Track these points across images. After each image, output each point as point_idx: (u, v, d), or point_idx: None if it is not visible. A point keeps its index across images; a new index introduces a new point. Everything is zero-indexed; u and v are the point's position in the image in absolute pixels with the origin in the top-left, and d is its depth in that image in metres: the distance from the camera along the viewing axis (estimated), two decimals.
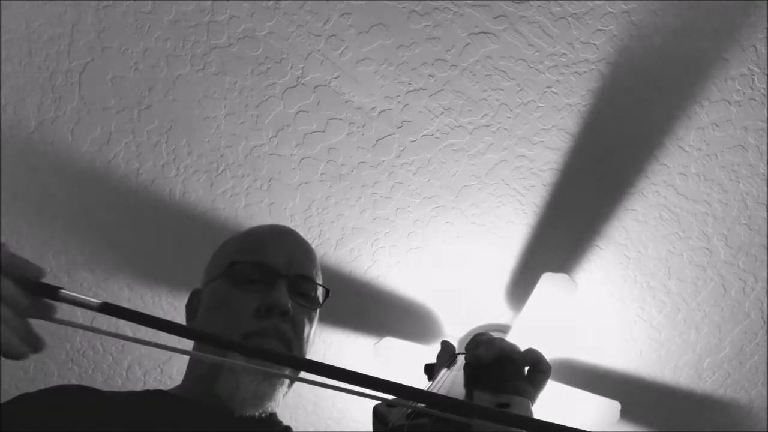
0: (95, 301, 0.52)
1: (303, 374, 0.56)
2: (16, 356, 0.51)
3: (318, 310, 0.98)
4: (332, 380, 0.48)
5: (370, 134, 1.76)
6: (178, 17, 1.57)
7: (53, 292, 0.52)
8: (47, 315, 0.54)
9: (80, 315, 1.94)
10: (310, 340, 0.95)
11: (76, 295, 0.52)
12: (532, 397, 0.69)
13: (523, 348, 0.73)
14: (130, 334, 2.01)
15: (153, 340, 0.59)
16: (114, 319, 2.11)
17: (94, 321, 2.06)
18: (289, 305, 0.90)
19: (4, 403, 0.81)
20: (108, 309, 0.52)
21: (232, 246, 1.01)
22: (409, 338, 2.12)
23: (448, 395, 0.65)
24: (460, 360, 0.74)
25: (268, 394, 0.87)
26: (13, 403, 0.82)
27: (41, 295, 0.53)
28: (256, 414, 0.87)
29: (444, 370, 0.73)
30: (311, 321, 0.95)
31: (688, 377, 2.27)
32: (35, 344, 0.53)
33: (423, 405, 0.56)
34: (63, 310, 0.56)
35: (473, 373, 0.69)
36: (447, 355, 0.78)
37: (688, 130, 1.72)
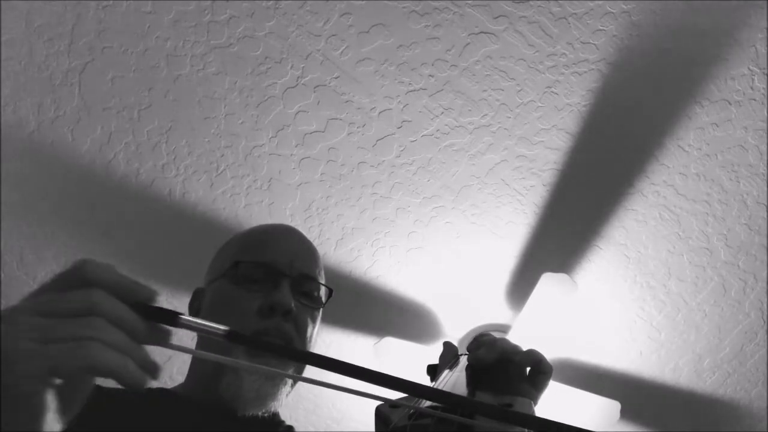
0: (220, 327, 0.49)
1: (309, 374, 0.56)
2: (136, 385, 0.47)
3: (321, 309, 0.98)
4: (338, 377, 0.47)
5: (370, 134, 1.76)
6: (178, 17, 1.57)
7: (172, 319, 0.49)
8: (163, 341, 0.51)
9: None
10: (313, 339, 0.95)
11: (196, 320, 0.49)
12: (534, 398, 0.69)
13: (524, 348, 0.73)
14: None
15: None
16: None
17: None
18: (292, 305, 0.90)
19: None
20: (236, 338, 0.49)
21: (235, 245, 1.01)
22: (409, 338, 2.12)
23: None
24: (463, 361, 0.74)
25: (271, 393, 0.88)
26: None
27: (159, 321, 0.50)
28: (259, 414, 0.87)
29: (446, 371, 0.73)
30: (314, 321, 0.96)
31: (688, 377, 2.27)
32: (153, 371, 0.49)
33: (425, 405, 0.56)
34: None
35: (476, 375, 0.69)
36: (449, 356, 0.78)
37: (688, 130, 1.72)
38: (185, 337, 0.89)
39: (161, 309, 0.50)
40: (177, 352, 2.22)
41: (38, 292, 0.49)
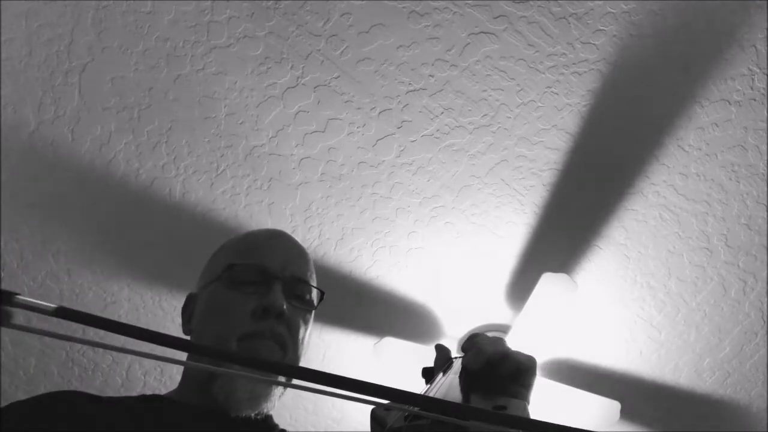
0: (50, 305, 0.50)
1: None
2: None
3: (313, 312, 0.99)
4: (327, 387, 0.48)
5: (370, 134, 1.76)
6: (178, 17, 1.57)
7: (8, 298, 0.50)
8: (5, 322, 0.51)
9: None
10: (305, 341, 0.96)
11: (31, 300, 0.50)
12: (525, 398, 0.69)
13: (514, 348, 0.73)
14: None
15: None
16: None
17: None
18: (285, 307, 0.91)
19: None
20: (63, 313, 0.50)
21: (227, 250, 1.02)
22: (409, 338, 2.12)
23: (445, 399, 0.65)
24: (457, 364, 0.74)
25: (264, 395, 0.88)
26: (2, 412, 0.81)
27: None
28: (252, 415, 0.88)
29: (440, 375, 0.74)
30: (306, 323, 0.96)
31: (688, 377, 2.27)
32: None
33: (419, 409, 0.56)
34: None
35: (469, 377, 0.69)
36: (443, 359, 0.78)
37: (688, 130, 1.72)
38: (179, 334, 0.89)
39: None
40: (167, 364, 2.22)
41: None
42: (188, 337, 0.96)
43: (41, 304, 0.50)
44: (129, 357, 2.26)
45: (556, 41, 1.58)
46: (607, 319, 2.13)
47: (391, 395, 0.46)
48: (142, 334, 0.50)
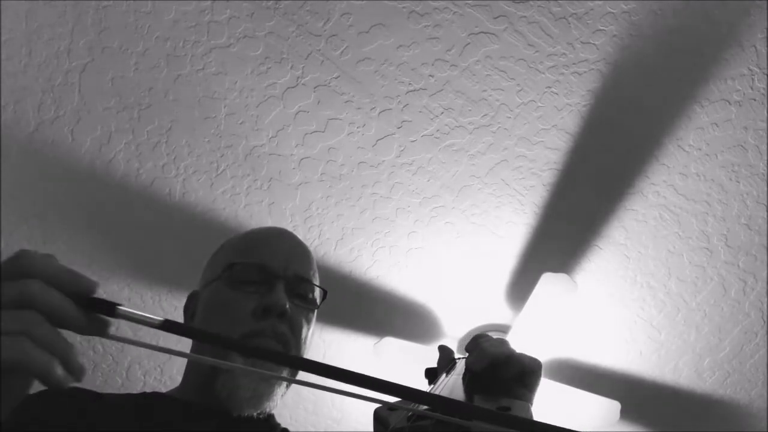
0: (156, 318, 0.49)
1: (303, 376, 0.56)
2: (58, 386, 0.46)
3: (315, 311, 0.98)
4: (332, 381, 0.47)
5: (370, 134, 1.76)
6: (178, 17, 1.57)
7: (111, 309, 0.49)
8: (103, 332, 0.50)
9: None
10: (308, 340, 0.96)
11: (134, 312, 0.49)
12: (528, 400, 0.69)
13: (518, 350, 0.73)
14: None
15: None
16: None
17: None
18: (287, 306, 0.90)
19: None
20: (169, 327, 0.49)
21: (229, 248, 1.01)
22: (409, 338, 2.12)
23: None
24: (460, 364, 0.74)
25: (267, 394, 0.88)
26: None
27: (98, 311, 0.49)
28: (255, 414, 0.87)
29: (443, 375, 0.73)
30: (309, 322, 0.96)
31: (688, 377, 2.27)
32: (77, 374, 0.48)
33: (424, 407, 0.56)
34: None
35: (473, 378, 0.69)
36: (446, 359, 0.78)
37: (688, 130, 1.72)
38: (171, 338, 0.89)
39: (99, 300, 0.49)
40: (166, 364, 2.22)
41: None
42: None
43: (145, 317, 0.49)
44: (129, 357, 2.26)
45: (556, 41, 1.58)
46: (607, 319, 2.13)
47: (401, 393, 0.45)
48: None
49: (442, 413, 0.52)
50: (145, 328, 1.00)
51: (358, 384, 0.46)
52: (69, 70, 1.66)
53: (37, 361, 0.45)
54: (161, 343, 0.54)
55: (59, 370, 0.46)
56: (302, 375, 0.94)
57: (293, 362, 0.78)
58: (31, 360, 0.45)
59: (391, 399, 0.49)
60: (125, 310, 0.48)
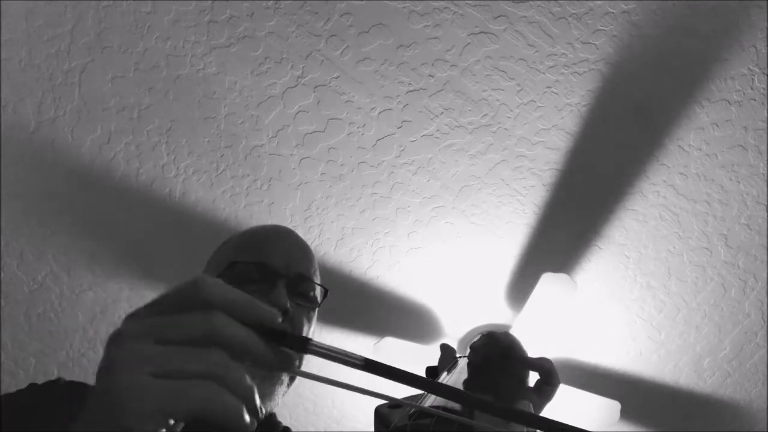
0: (357, 356, 0.44)
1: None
2: (243, 430, 0.41)
3: (317, 309, 0.98)
4: (334, 375, 0.46)
5: (370, 134, 1.76)
6: (178, 17, 1.57)
7: (303, 345, 0.43)
8: (289, 368, 0.44)
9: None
10: None
11: (331, 347, 0.43)
12: (537, 408, 0.69)
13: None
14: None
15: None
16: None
17: None
18: (289, 305, 0.90)
19: (10, 394, 0.81)
20: (373, 367, 0.43)
21: (230, 247, 1.01)
22: (409, 338, 2.12)
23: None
24: (462, 363, 0.74)
25: (267, 393, 0.88)
26: (19, 394, 0.82)
27: (287, 346, 0.43)
28: None
29: (445, 374, 0.73)
30: (310, 321, 0.96)
31: (688, 377, 2.27)
32: (258, 416, 0.42)
33: (427, 405, 0.56)
34: None
35: (475, 375, 0.69)
36: (448, 358, 0.78)
37: (688, 130, 1.72)
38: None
39: (289, 333, 0.44)
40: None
41: (150, 311, 0.44)
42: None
43: (345, 354, 0.43)
44: None
45: (556, 41, 1.58)
46: (607, 319, 2.13)
47: (409, 380, 0.44)
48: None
49: (449, 400, 0.51)
50: None
51: (379, 374, 0.43)
52: (69, 70, 1.66)
53: (227, 408, 0.40)
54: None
55: (246, 416, 0.41)
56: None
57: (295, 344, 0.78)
58: (220, 407, 0.40)
59: (398, 394, 0.49)
60: (319, 345, 0.43)
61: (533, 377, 0.73)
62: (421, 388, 0.43)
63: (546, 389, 0.72)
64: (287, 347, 0.44)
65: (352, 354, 0.44)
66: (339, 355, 0.43)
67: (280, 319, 0.44)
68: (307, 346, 0.43)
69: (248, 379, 0.42)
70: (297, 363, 0.44)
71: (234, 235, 1.06)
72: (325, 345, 0.43)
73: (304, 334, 0.94)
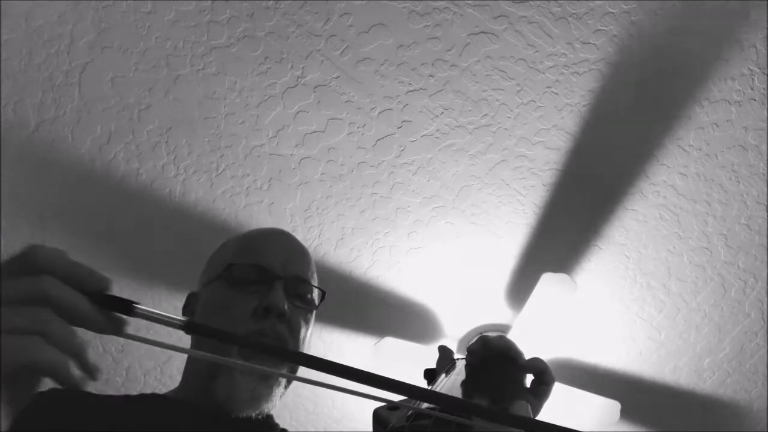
0: (177, 318, 0.47)
1: (304, 374, 0.56)
2: (71, 385, 0.45)
3: (314, 311, 0.98)
4: (335, 378, 0.47)
5: (370, 134, 1.76)
6: (178, 17, 1.57)
7: (128, 308, 0.47)
8: (119, 331, 0.48)
9: None
10: (306, 341, 0.96)
11: (153, 311, 0.47)
12: (534, 407, 0.69)
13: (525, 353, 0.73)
14: None
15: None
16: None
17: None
18: (286, 307, 0.91)
19: None
20: (192, 327, 0.47)
21: (228, 249, 1.02)
22: (409, 338, 2.12)
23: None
24: (460, 365, 0.74)
25: (265, 395, 0.88)
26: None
27: (114, 310, 0.47)
28: (253, 415, 0.88)
29: (443, 376, 0.74)
30: (307, 323, 0.96)
31: (688, 377, 2.27)
32: (93, 373, 0.46)
33: (424, 406, 0.56)
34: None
35: (473, 377, 0.69)
36: (446, 360, 0.78)
37: (688, 130, 1.72)
38: (184, 338, 0.88)
39: (116, 298, 0.47)
40: (176, 353, 2.22)
41: None
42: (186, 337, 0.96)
43: (166, 316, 0.47)
44: (129, 357, 2.26)
45: (556, 41, 1.58)
46: (607, 319, 2.13)
47: (404, 390, 0.45)
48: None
49: (444, 410, 0.52)
50: (152, 326, 1.00)
51: (361, 381, 0.45)
52: (69, 70, 1.67)
53: (52, 361, 0.44)
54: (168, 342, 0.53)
55: (74, 371, 0.45)
56: (304, 374, 0.94)
57: (309, 361, 0.79)
58: (46, 360, 0.44)
59: (393, 397, 0.49)
60: (143, 309, 0.47)
61: (530, 379, 0.73)
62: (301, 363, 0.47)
63: (542, 388, 0.72)
64: (114, 311, 0.47)
65: (175, 317, 0.47)
66: (162, 317, 0.47)
67: (111, 285, 0.48)
68: (132, 310, 0.47)
69: (77, 337, 0.46)
70: (127, 327, 0.48)
71: (232, 237, 1.07)
72: (149, 310, 0.47)
73: (302, 336, 0.94)
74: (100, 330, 0.48)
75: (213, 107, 1.73)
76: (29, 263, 0.46)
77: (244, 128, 1.76)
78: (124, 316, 0.48)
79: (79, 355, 0.46)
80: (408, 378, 0.47)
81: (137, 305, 0.47)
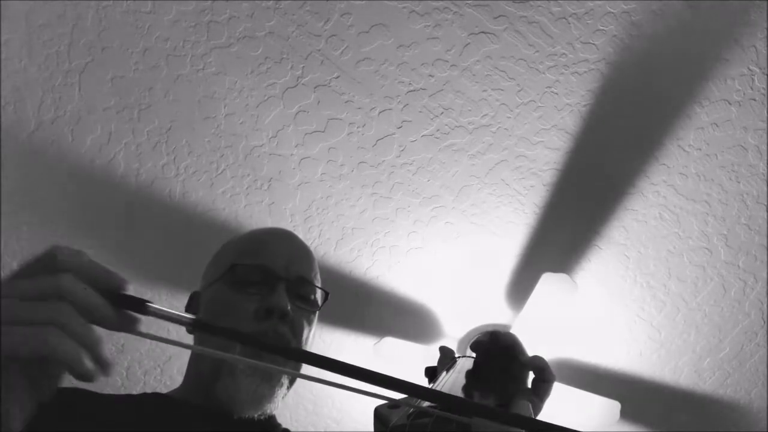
0: (187, 315, 0.51)
1: (306, 373, 0.56)
2: (85, 378, 0.47)
3: (317, 312, 0.98)
4: (337, 376, 0.47)
5: (370, 134, 1.76)
6: (178, 17, 1.57)
7: (141, 306, 0.49)
8: (132, 328, 0.51)
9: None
10: (309, 342, 0.96)
11: (164, 309, 0.50)
12: (536, 406, 0.69)
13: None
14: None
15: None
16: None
17: None
18: (289, 308, 0.90)
19: None
20: (201, 326, 0.49)
21: (231, 249, 1.01)
22: (409, 338, 2.12)
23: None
24: (460, 363, 0.74)
25: (267, 395, 0.87)
26: None
27: (127, 308, 0.50)
28: (255, 416, 0.87)
29: (444, 374, 0.74)
30: (310, 324, 0.96)
31: (688, 377, 2.27)
32: (105, 367, 0.48)
33: (425, 405, 0.56)
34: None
35: (474, 375, 0.69)
36: (447, 358, 0.78)
37: (688, 130, 1.72)
38: (186, 337, 0.88)
39: (129, 296, 0.50)
40: (177, 351, 2.22)
41: (10, 277, 0.50)
42: (190, 336, 0.95)
43: (175, 314, 0.50)
44: (129, 357, 2.26)
45: (556, 41, 1.58)
46: (607, 319, 2.13)
47: (405, 389, 0.45)
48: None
49: (444, 410, 0.52)
50: (161, 324, 1.00)
51: (364, 379, 0.46)
52: (69, 70, 1.67)
53: (69, 351, 0.46)
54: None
55: (88, 363, 0.47)
56: (306, 372, 0.94)
57: (311, 360, 0.79)
58: (61, 351, 0.45)
59: (394, 395, 0.49)
60: (155, 308, 0.49)
61: (531, 377, 0.74)
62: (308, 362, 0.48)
63: (542, 386, 0.72)
64: (127, 309, 0.50)
65: (183, 315, 0.51)
66: (170, 315, 0.50)
67: (128, 286, 0.51)
68: (145, 308, 0.49)
69: (93, 330, 0.48)
70: (139, 325, 0.50)
71: (235, 237, 1.06)
72: (160, 308, 0.50)
73: (304, 337, 0.94)
74: (114, 327, 0.50)
75: (213, 107, 1.73)
76: (50, 262, 0.49)
77: (244, 128, 1.76)
78: (138, 315, 0.50)
79: (94, 347, 0.48)
80: (408, 378, 0.48)
81: (150, 304, 0.50)
